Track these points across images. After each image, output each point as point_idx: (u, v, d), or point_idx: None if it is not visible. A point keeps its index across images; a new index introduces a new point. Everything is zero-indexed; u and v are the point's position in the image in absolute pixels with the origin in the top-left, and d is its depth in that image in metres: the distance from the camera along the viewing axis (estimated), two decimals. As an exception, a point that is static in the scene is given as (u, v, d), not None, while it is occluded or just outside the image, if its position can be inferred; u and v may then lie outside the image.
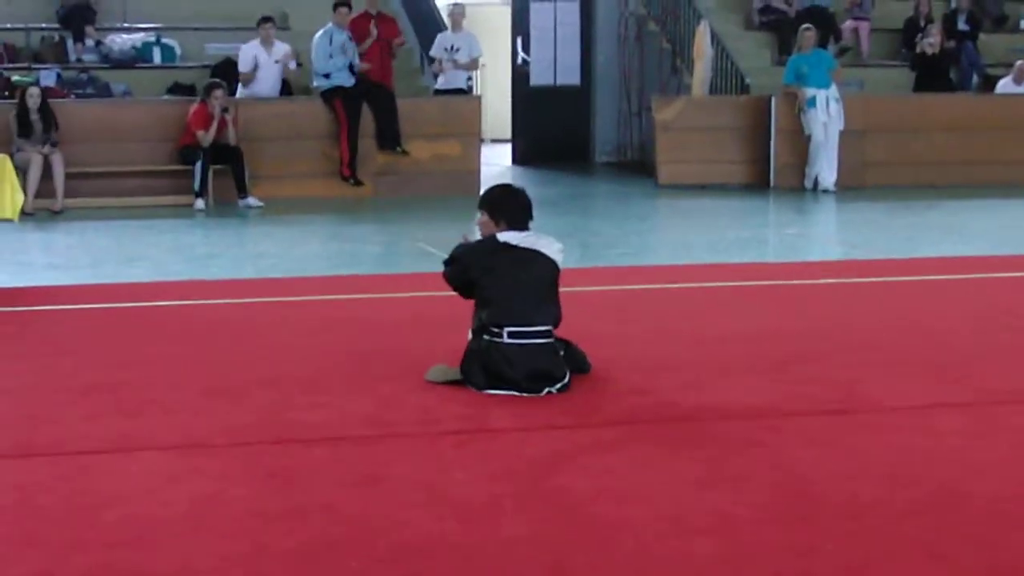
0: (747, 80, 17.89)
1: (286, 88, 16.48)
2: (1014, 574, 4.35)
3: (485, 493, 5.19)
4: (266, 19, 16.10)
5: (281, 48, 16.09)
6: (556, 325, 6.79)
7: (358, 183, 15.74)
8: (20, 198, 10.78)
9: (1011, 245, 12.32)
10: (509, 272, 6.72)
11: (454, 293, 7.02)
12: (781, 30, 18.77)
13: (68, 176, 14.49)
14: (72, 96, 15.89)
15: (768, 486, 5.27)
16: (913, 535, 4.71)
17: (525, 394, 6.53)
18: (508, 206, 6.95)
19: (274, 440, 5.90)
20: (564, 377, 6.66)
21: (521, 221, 6.89)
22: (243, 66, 16.04)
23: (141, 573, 4.36)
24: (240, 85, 15.99)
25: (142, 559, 4.48)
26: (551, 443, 5.83)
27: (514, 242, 6.79)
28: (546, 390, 6.57)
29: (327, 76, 15.82)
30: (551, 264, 6.83)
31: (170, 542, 4.64)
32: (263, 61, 16.03)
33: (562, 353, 6.77)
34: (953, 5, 19.25)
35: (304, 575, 4.36)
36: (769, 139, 17.05)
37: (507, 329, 6.62)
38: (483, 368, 6.65)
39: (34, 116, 14.44)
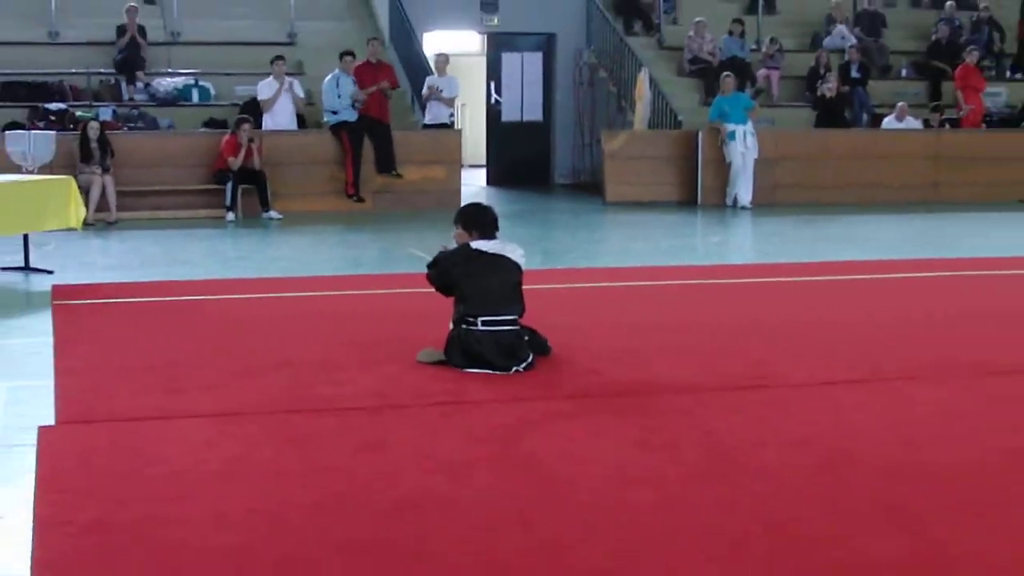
0: (679, 117, 17.93)
1: (302, 122, 16.51)
2: (903, 520, 4.36)
3: (465, 454, 5.18)
4: (278, 57, 16.19)
5: (289, 80, 16.09)
6: (521, 315, 6.79)
7: (360, 200, 15.76)
8: (82, 211, 10.80)
9: (897, 252, 12.41)
10: (481, 273, 6.73)
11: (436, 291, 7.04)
12: (706, 76, 18.82)
13: (121, 193, 14.49)
14: (125, 128, 15.84)
15: (695, 448, 5.27)
16: (818, 492, 4.71)
17: (497, 372, 6.54)
18: (479, 220, 6.97)
19: (293, 411, 5.88)
20: (528, 357, 6.66)
21: (490, 232, 6.91)
22: (262, 95, 16.04)
23: (182, 521, 4.33)
24: (264, 117, 15.98)
25: (183, 510, 4.46)
26: (519, 413, 5.82)
27: (484, 248, 6.80)
28: (514, 368, 6.57)
29: (335, 113, 15.86)
30: (515, 266, 6.85)
31: (206, 496, 4.62)
32: (277, 91, 16.02)
33: (527, 338, 6.78)
34: (847, 57, 19.32)
35: (319, 525, 4.34)
36: (697, 165, 17.09)
37: (481, 319, 6.63)
38: (462, 352, 6.65)
39: (94, 144, 14.42)
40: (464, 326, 6.67)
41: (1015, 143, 18.51)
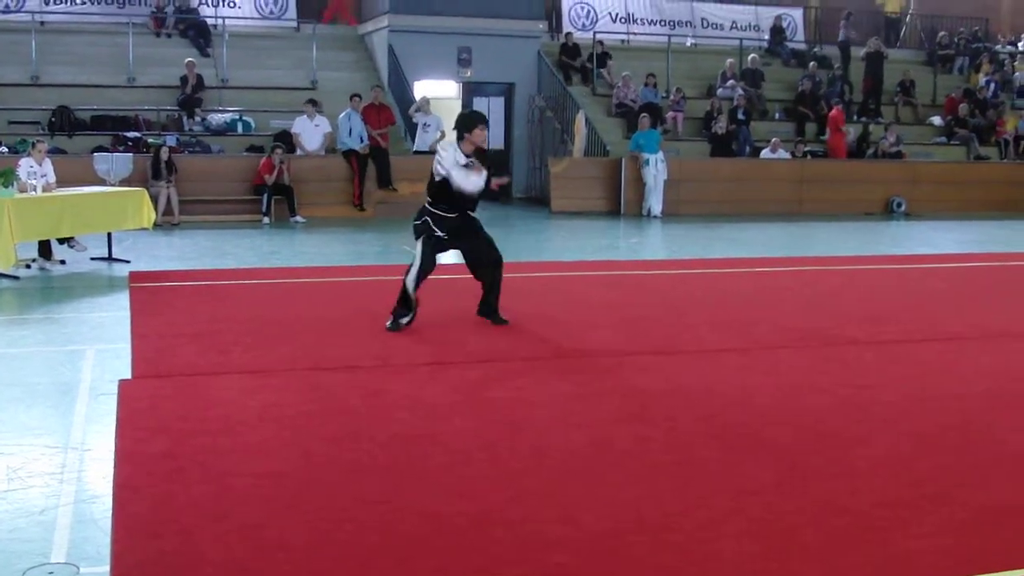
0: (607, 148, 17.92)
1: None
2: (773, 450, 4.41)
3: (445, 401, 5.18)
4: (310, 101, 16.08)
5: (319, 117, 15.99)
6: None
7: (363, 209, 15.67)
8: (152, 215, 10.73)
9: (770, 251, 12.46)
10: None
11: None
12: (628, 117, 18.81)
13: (182, 202, 14.35)
14: (186, 152, 15.67)
15: (618, 398, 5.30)
16: (710, 431, 4.76)
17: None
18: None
19: (313, 368, 5.86)
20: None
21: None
22: (295, 129, 15.92)
23: (231, 451, 4.32)
24: (295, 144, 15.88)
25: (231, 443, 4.45)
26: (485, 371, 5.83)
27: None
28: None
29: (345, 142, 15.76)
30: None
31: (248, 432, 4.60)
32: (308, 126, 15.91)
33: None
34: (735, 103, 19.37)
35: (333, 452, 4.34)
36: (620, 184, 17.10)
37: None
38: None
39: (162, 164, 14.27)
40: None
41: (858, 170, 18.70)
